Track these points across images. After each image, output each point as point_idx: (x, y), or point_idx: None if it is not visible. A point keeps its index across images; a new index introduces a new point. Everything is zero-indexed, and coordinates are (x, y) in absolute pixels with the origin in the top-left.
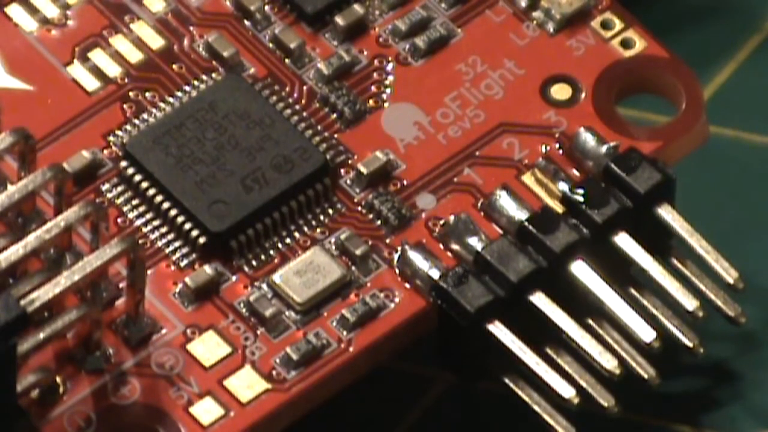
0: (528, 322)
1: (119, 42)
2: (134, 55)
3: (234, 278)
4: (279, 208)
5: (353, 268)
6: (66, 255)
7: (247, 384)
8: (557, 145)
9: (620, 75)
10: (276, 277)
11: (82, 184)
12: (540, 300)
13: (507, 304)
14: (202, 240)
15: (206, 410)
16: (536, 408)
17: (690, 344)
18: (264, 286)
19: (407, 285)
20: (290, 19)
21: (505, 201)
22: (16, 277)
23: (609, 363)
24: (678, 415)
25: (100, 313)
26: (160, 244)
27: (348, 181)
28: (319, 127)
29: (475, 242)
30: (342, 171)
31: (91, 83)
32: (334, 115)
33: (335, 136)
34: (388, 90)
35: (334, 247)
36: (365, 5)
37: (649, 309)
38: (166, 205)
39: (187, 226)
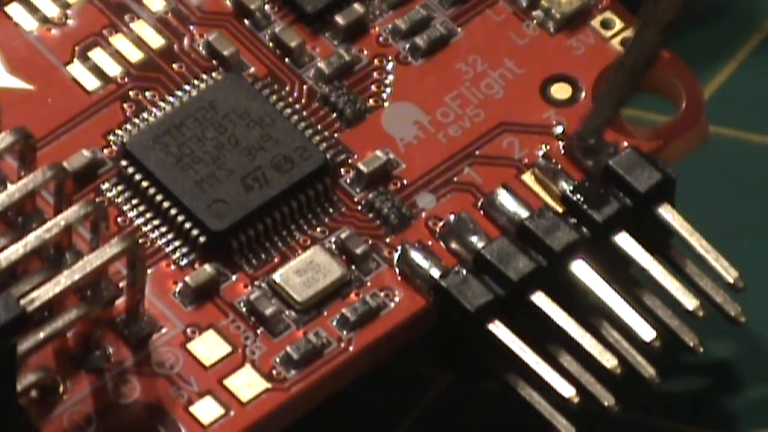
0: (528, 321)
1: (119, 41)
2: (134, 55)
3: (234, 277)
4: (279, 207)
5: (353, 267)
6: (66, 254)
7: (247, 383)
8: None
9: None
10: (276, 277)
11: (82, 184)
12: (540, 299)
13: (507, 304)
14: (202, 239)
15: (206, 409)
16: (536, 408)
17: (690, 344)
18: (264, 285)
19: (407, 284)
20: (290, 19)
21: (505, 200)
22: (16, 277)
23: (609, 362)
24: (678, 415)
25: (101, 313)
26: (160, 243)
27: (348, 181)
28: (319, 127)
29: (475, 241)
30: (342, 170)
31: (91, 82)
32: (334, 115)
33: (335, 135)
34: (388, 89)
35: (334, 247)
36: (365, 5)
37: (649, 308)
38: (166, 204)
39: (187, 225)
